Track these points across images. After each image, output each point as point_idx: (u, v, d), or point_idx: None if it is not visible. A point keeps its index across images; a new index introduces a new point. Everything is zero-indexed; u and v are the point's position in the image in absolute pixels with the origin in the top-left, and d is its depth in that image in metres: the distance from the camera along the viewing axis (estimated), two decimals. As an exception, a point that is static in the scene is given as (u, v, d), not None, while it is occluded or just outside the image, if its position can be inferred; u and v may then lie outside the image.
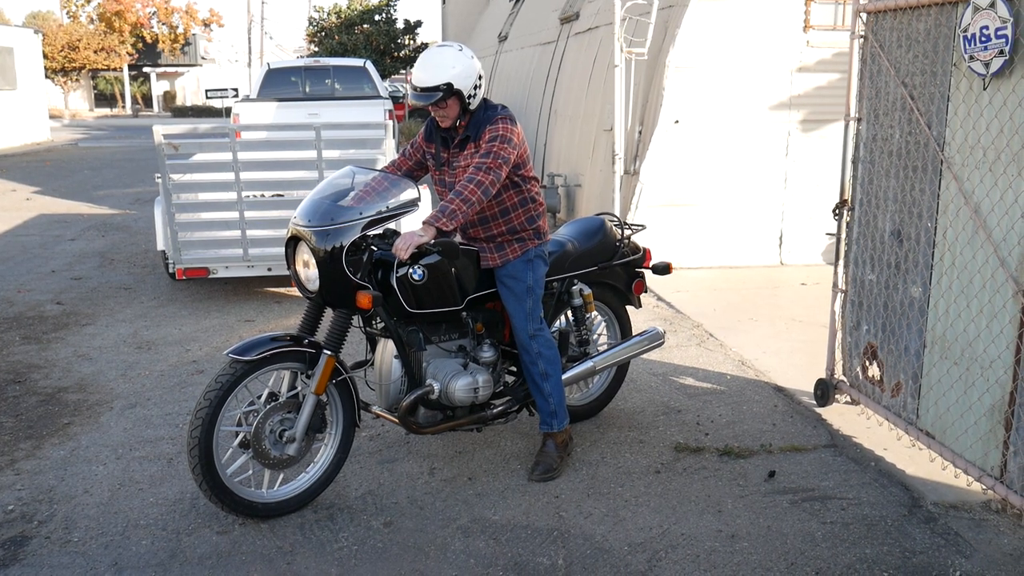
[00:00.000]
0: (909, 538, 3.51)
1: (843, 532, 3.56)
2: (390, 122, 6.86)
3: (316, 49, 30.33)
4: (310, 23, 31.23)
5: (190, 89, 52.94)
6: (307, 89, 13.60)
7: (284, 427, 3.64)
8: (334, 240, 3.53)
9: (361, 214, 3.58)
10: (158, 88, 53.10)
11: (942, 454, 3.96)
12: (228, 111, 13.31)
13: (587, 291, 4.35)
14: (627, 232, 4.59)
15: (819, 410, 4.83)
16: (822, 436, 4.51)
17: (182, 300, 7.45)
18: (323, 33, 29.92)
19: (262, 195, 7.34)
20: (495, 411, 4.08)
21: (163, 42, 48.40)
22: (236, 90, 20.09)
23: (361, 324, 3.97)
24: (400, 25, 29.72)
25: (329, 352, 3.65)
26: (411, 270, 3.67)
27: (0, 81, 25.05)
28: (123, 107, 51.54)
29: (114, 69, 48.15)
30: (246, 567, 3.34)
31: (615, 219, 4.65)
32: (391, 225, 3.76)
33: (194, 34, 50.26)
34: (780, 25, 8.08)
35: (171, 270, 7.14)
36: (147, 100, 53.58)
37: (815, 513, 3.71)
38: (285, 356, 3.61)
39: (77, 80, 46.50)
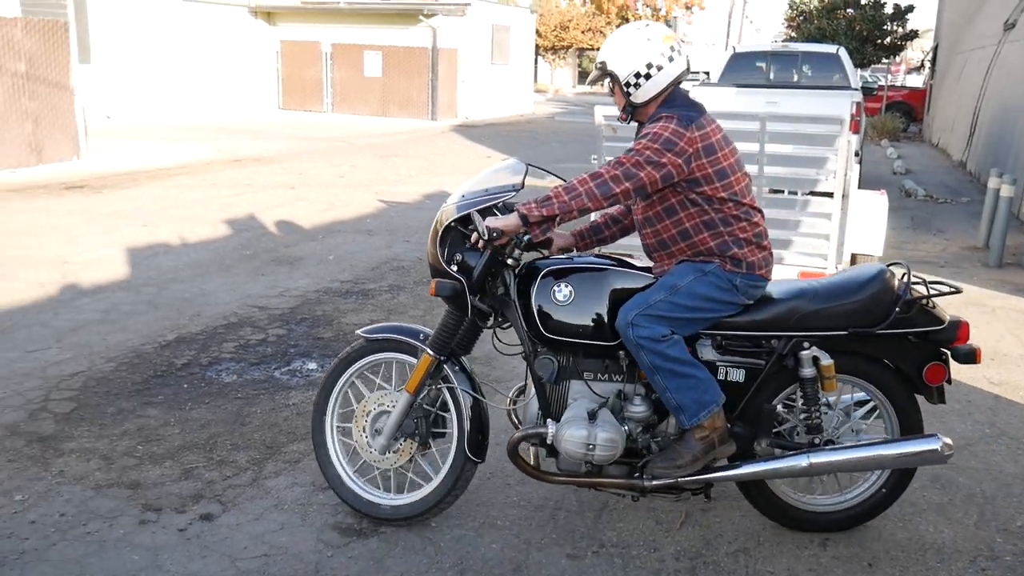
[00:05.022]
0: None
1: None
2: (846, 117, 6.02)
3: (793, 35, 29.15)
4: (790, 7, 30.08)
5: (665, 70, 54.25)
6: (771, 76, 12.87)
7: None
8: (440, 223, 3.25)
9: (463, 196, 3.21)
10: (635, 68, 55.27)
11: None
12: (689, 94, 13.05)
13: (826, 361, 3.18)
14: (930, 292, 3.21)
15: None
16: None
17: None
18: (802, 17, 28.63)
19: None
20: (614, 480, 3.28)
21: (645, 24, 50.09)
22: (708, 73, 19.89)
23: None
24: (888, 10, 27.37)
25: (432, 352, 3.33)
26: (546, 283, 3.19)
27: (496, 56, 27.65)
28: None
29: (598, 49, 51.04)
30: (586, 606, 3.00)
31: (908, 272, 3.24)
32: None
33: (675, 16, 51.34)
34: None
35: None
36: (624, 79, 56.06)
37: None
38: (401, 346, 3.44)
39: (564, 58, 50.09)
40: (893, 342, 3.22)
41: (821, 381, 3.20)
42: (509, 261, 3.20)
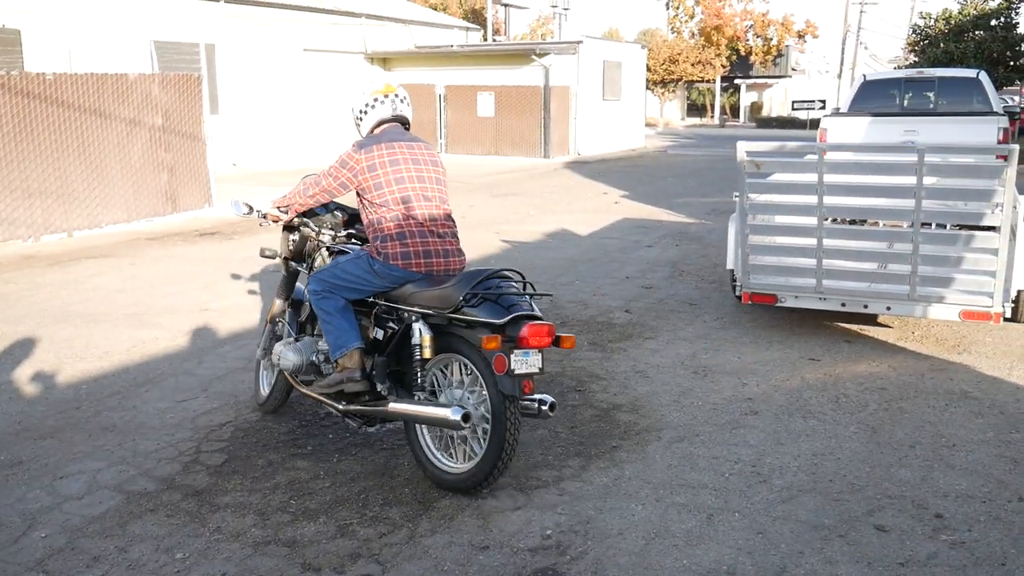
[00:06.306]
0: None
1: None
2: (1015, 146, 5.61)
3: (916, 60, 28.15)
4: (913, 31, 29.10)
5: (777, 100, 53.37)
6: (905, 103, 12.36)
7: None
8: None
9: None
10: (746, 99, 54.51)
11: None
12: (813, 123, 12.70)
13: (425, 334, 4.08)
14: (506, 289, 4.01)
15: None
16: None
17: (744, 324, 7.05)
18: (926, 41, 27.62)
19: (844, 221, 6.63)
20: (324, 399, 4.41)
21: (755, 54, 49.46)
22: (823, 101, 19.31)
23: None
24: (1022, 30, 26.15)
25: (278, 299, 5.05)
26: (320, 256, 4.82)
27: (608, 92, 27.58)
28: (711, 117, 53.91)
29: (707, 81, 50.61)
30: None
31: (514, 275, 4.13)
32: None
33: (787, 46, 50.47)
34: None
35: (737, 292, 6.79)
36: (734, 111, 55.34)
37: None
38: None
39: (673, 91, 49.75)
40: (478, 330, 3.87)
41: (420, 348, 4.07)
42: (320, 245, 4.76)
